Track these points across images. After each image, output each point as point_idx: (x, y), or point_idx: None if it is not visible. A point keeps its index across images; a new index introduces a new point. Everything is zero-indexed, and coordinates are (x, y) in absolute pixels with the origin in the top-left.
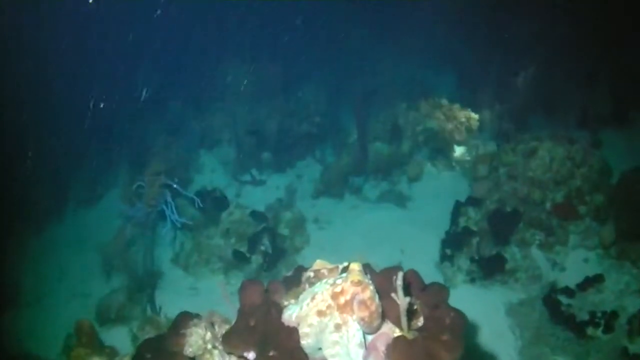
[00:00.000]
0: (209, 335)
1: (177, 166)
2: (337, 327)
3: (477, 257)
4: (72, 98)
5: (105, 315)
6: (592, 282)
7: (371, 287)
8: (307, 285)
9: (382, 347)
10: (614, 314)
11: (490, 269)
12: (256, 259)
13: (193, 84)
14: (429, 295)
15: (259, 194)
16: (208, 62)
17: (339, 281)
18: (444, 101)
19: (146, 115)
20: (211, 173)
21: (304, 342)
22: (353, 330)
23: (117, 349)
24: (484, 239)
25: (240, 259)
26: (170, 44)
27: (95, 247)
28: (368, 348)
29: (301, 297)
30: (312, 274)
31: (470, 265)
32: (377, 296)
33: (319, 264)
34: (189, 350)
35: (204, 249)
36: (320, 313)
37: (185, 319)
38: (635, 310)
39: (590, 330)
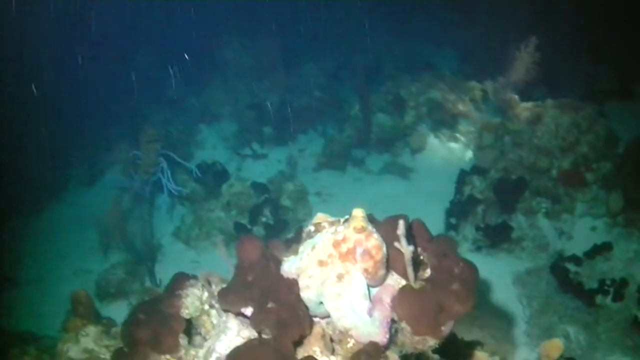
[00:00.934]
0: (205, 295)
1: (177, 141)
2: (340, 278)
3: (482, 226)
4: (69, 76)
5: (105, 291)
6: (600, 250)
7: (375, 235)
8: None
9: (387, 300)
10: (623, 282)
11: (496, 237)
12: (258, 231)
13: (192, 59)
14: (436, 246)
15: (261, 168)
16: (207, 37)
17: (340, 228)
18: (447, 72)
19: (146, 91)
20: (212, 149)
21: (304, 295)
22: (356, 281)
23: (115, 321)
24: (489, 208)
25: (241, 230)
26: (168, 19)
27: (95, 223)
28: (373, 301)
29: (301, 248)
30: (312, 228)
31: (475, 233)
32: (383, 245)
33: (320, 217)
34: (185, 312)
35: (205, 222)
36: (321, 263)
37: (181, 279)
38: None
39: (599, 299)
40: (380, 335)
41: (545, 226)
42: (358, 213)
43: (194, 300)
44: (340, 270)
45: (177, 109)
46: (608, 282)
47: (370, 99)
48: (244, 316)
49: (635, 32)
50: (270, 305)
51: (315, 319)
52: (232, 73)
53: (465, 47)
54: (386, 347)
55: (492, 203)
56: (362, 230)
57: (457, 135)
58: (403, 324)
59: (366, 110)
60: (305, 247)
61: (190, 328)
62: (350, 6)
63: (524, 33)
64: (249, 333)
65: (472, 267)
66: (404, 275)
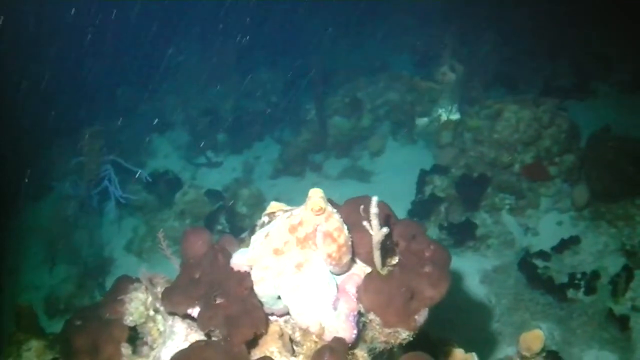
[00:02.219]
0: (150, 299)
1: (128, 150)
2: (298, 267)
3: (446, 225)
4: (15, 87)
5: (54, 307)
6: (568, 244)
7: (336, 216)
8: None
9: (352, 290)
10: (595, 275)
11: (460, 235)
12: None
13: (142, 65)
14: (403, 227)
15: (215, 176)
16: (158, 42)
17: (296, 211)
18: (404, 73)
19: (96, 99)
20: (164, 158)
21: (258, 289)
22: (317, 270)
23: None
24: (452, 206)
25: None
26: (117, 25)
27: (43, 237)
28: (338, 292)
29: (253, 237)
30: (266, 219)
31: (439, 233)
32: (345, 226)
33: (274, 205)
34: (129, 319)
35: (155, 232)
36: (277, 251)
37: (124, 283)
38: (617, 270)
39: (571, 293)
40: (346, 331)
41: (510, 222)
42: (316, 193)
43: (138, 305)
44: (298, 259)
45: (128, 117)
46: (579, 275)
47: (326, 101)
48: (192, 318)
49: (593, 29)
50: (218, 301)
51: (272, 317)
52: (185, 78)
53: (421, 50)
54: (354, 343)
55: (455, 201)
56: (321, 211)
57: (415, 137)
58: (371, 316)
59: (322, 113)
60: (257, 236)
61: (135, 336)
62: (306, 11)
63: (481, 33)
64: (198, 336)
65: (444, 249)
66: (369, 262)
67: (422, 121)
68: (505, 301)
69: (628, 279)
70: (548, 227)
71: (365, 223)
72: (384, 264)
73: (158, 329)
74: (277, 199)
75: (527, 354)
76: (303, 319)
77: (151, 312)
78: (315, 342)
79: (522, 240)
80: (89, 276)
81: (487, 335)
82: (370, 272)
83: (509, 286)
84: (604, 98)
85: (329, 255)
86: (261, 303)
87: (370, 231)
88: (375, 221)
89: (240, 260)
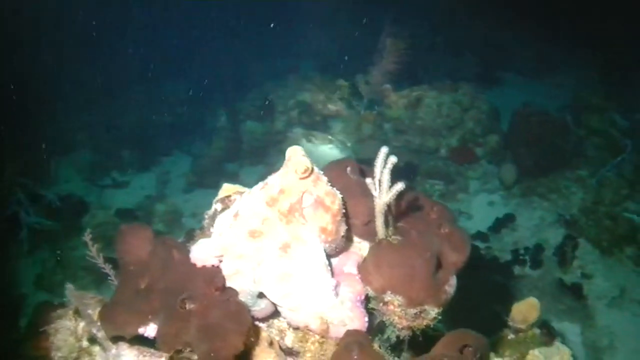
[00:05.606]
0: (82, 326)
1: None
2: (285, 248)
3: None
4: None
5: None
6: (504, 222)
7: (325, 178)
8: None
9: (354, 270)
10: (539, 248)
11: None
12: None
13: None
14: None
15: (123, 197)
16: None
17: (273, 179)
18: (314, 73)
19: None
20: (65, 182)
21: (234, 285)
22: (311, 248)
23: None
24: None
25: (112, 266)
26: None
27: None
28: (336, 275)
29: (217, 221)
30: (219, 206)
31: None
32: (337, 191)
33: (227, 187)
34: (57, 356)
35: (69, 262)
36: (254, 233)
37: (45, 311)
38: (559, 242)
39: (517, 270)
40: (357, 319)
41: None
42: (296, 151)
43: (66, 336)
44: (284, 238)
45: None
46: (522, 251)
47: (237, 107)
48: (146, 340)
49: (492, 23)
50: (186, 307)
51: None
52: (84, 94)
53: (327, 55)
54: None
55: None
56: (307, 172)
57: (331, 136)
58: (388, 296)
59: (234, 118)
60: (223, 220)
61: None
62: (212, 22)
63: (390, 29)
64: None
65: (448, 208)
66: (367, 235)
67: (336, 119)
68: None
69: (573, 247)
70: (480, 208)
71: (369, 181)
72: (386, 234)
73: None
74: (194, 214)
75: (522, 326)
76: (299, 316)
77: (84, 343)
78: (321, 342)
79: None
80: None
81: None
82: (379, 243)
83: None
84: (508, 84)
85: (323, 229)
86: (242, 302)
87: (374, 192)
88: (386, 176)
89: (204, 252)
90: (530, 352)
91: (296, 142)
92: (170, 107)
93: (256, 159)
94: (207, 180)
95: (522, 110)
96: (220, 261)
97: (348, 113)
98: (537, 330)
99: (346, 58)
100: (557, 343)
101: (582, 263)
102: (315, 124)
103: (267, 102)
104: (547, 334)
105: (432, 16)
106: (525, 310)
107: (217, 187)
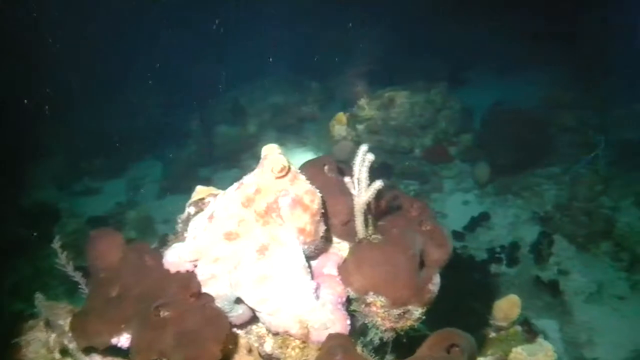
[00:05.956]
0: (54, 337)
1: None
2: (262, 250)
3: None
4: None
5: None
6: (479, 221)
7: (303, 177)
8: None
9: (334, 271)
10: (514, 246)
11: None
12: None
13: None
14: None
15: (95, 203)
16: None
17: (248, 178)
18: (285, 76)
19: None
20: (39, 189)
21: (210, 290)
22: (289, 249)
23: None
24: None
25: (83, 274)
26: None
27: None
28: (316, 277)
29: (191, 224)
30: (192, 210)
31: None
32: (316, 190)
33: (201, 190)
34: None
35: (43, 272)
36: (230, 236)
37: (17, 322)
38: (534, 239)
39: (494, 268)
40: (339, 322)
41: None
42: (272, 149)
43: (38, 348)
44: (261, 240)
45: None
46: (498, 249)
47: (209, 110)
48: (119, 349)
49: (463, 22)
50: (160, 314)
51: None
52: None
53: (298, 58)
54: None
55: None
56: (284, 170)
57: (305, 138)
58: (370, 297)
59: (206, 122)
60: (197, 222)
61: None
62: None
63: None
64: None
65: (427, 204)
66: (346, 235)
67: (310, 122)
68: None
69: (549, 244)
70: (455, 208)
71: (347, 180)
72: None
73: None
74: (167, 220)
75: (503, 323)
76: (278, 320)
77: (57, 355)
78: (302, 347)
79: None
80: None
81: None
82: (360, 242)
83: None
84: (478, 84)
85: (301, 230)
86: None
87: (353, 191)
88: (365, 174)
89: (178, 257)
90: (514, 349)
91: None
92: (141, 112)
93: (230, 163)
94: (180, 186)
95: (495, 108)
96: (195, 266)
97: (321, 115)
98: (518, 328)
99: (315, 59)
100: (540, 340)
101: (559, 259)
102: (289, 127)
103: (238, 106)
104: (529, 331)
105: (401, 17)
106: (506, 308)
107: (190, 192)
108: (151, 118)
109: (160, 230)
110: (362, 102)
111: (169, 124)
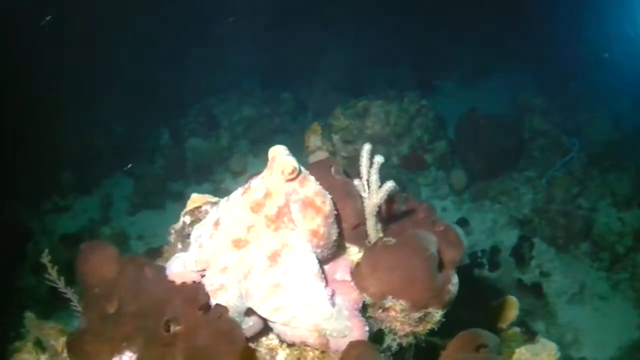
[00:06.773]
0: (44, 358)
1: None
2: (274, 257)
3: None
4: None
5: None
6: None
7: (312, 177)
8: (180, 241)
9: (347, 277)
10: (495, 250)
11: None
12: (78, 291)
13: None
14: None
15: (66, 222)
16: None
17: (255, 182)
18: (255, 87)
19: None
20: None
21: (219, 302)
22: (302, 255)
23: None
24: None
25: (58, 296)
26: None
27: None
28: (329, 284)
29: (194, 233)
30: (188, 219)
31: None
32: (326, 191)
33: (196, 198)
34: None
35: (15, 293)
36: (238, 243)
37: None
38: (513, 242)
39: (476, 272)
40: (356, 329)
41: None
42: (279, 151)
43: None
44: (273, 246)
45: None
46: (479, 254)
47: (179, 123)
48: None
49: (428, 35)
50: (170, 330)
51: None
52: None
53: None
54: None
55: None
56: (294, 172)
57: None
58: (389, 302)
59: (176, 136)
60: (201, 230)
61: None
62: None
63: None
64: None
65: (433, 206)
66: (356, 238)
67: (281, 134)
68: None
69: (530, 247)
70: None
71: (357, 182)
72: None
73: None
74: (140, 236)
75: (502, 325)
76: (294, 330)
77: None
78: (320, 357)
79: None
80: None
81: None
82: (374, 245)
83: None
84: (446, 92)
85: (314, 233)
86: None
87: (363, 193)
88: (375, 176)
89: (183, 267)
90: (517, 350)
91: (242, 159)
92: (109, 126)
93: (202, 177)
94: (152, 201)
95: (470, 115)
96: (203, 276)
97: (293, 126)
98: (516, 329)
99: (287, 71)
100: (542, 339)
101: (540, 262)
102: (261, 139)
103: (210, 119)
104: (527, 331)
105: (369, 27)
106: (504, 309)
107: (162, 207)
108: (117, 132)
109: (135, 247)
110: (337, 111)
111: (138, 138)
